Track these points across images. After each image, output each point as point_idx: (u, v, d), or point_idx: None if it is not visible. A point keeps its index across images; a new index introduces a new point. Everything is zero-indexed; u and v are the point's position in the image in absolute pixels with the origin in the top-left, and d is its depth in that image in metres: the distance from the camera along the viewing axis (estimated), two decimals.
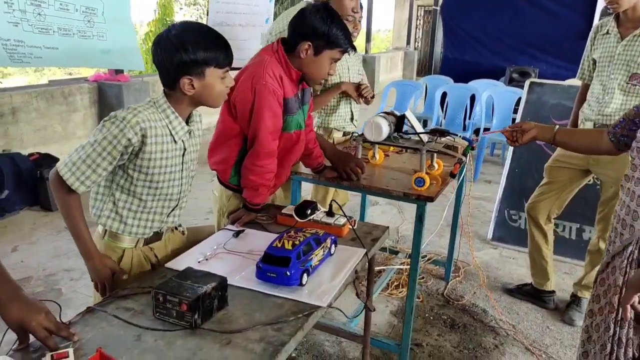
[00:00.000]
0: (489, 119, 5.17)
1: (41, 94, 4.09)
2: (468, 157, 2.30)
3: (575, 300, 2.61)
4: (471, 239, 3.38)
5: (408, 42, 13.95)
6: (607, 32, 2.30)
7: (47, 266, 2.98)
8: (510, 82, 6.03)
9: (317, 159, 2.00)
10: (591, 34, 2.43)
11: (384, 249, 3.07)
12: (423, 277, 2.95)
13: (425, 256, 3.09)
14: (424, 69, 14.08)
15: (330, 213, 1.66)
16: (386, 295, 2.75)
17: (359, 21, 2.50)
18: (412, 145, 1.96)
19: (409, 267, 2.95)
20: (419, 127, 1.99)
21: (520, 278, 2.98)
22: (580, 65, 2.51)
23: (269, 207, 1.85)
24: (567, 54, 5.82)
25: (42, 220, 3.62)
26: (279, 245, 1.32)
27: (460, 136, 2.54)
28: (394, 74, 13.20)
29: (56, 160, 4.06)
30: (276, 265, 1.26)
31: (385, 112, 2.07)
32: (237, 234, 1.59)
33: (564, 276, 3.04)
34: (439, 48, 8.10)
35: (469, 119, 5.25)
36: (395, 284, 2.85)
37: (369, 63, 10.71)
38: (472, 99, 5.18)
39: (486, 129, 5.08)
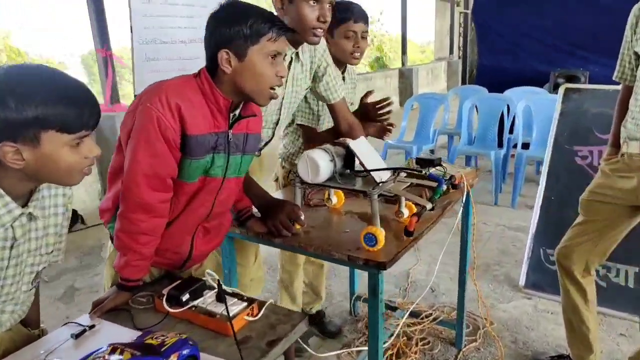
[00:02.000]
0: (528, 133, 4.43)
1: None
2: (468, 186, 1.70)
3: None
4: (479, 286, 2.71)
5: (451, 52, 13.19)
6: None
7: None
8: (556, 88, 5.23)
9: (237, 204, 1.50)
10: (631, 19, 1.78)
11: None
12: (429, 343, 2.33)
13: (431, 315, 2.45)
14: (473, 79, 13.20)
15: (220, 297, 1.15)
16: None
17: (362, 37, 1.98)
18: (361, 187, 1.40)
19: (414, 328, 2.36)
20: (372, 161, 1.42)
21: (558, 342, 2.28)
22: (619, 62, 1.86)
23: (163, 280, 1.36)
24: None
25: None
26: None
27: (458, 167, 1.96)
28: (436, 86, 12.50)
29: None
30: None
31: (334, 142, 1.53)
32: (78, 334, 1.10)
33: (620, 340, 2.30)
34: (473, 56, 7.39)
35: (509, 132, 4.52)
36: (391, 352, 2.24)
37: (406, 77, 10.14)
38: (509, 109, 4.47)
39: (525, 145, 4.36)
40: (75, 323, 1.16)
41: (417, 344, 2.29)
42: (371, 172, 1.39)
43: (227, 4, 1.23)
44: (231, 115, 1.28)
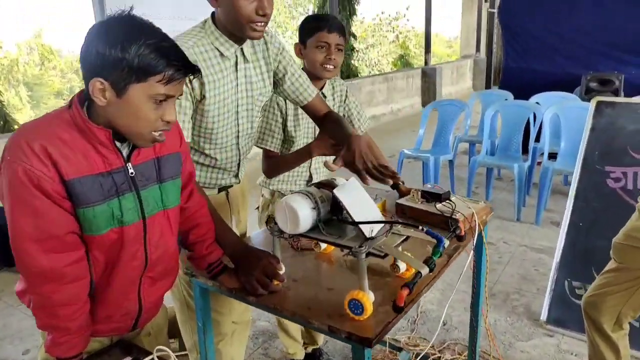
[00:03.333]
0: (556, 142, 4.12)
1: None
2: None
3: None
4: (496, 319, 2.47)
5: (478, 49, 12.74)
6: None
7: None
8: (588, 92, 4.88)
9: (207, 256, 1.31)
10: None
11: (383, 342, 2.26)
12: None
13: (440, 359, 2.22)
14: (499, 79, 12.74)
15: None
16: None
17: (337, 49, 1.79)
18: (348, 241, 1.19)
19: None
20: (363, 210, 1.21)
21: None
22: None
23: (113, 349, 1.19)
24: None
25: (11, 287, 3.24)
26: None
27: (468, 199, 1.73)
28: (461, 85, 12.11)
29: None
30: None
31: (319, 183, 1.32)
32: None
33: None
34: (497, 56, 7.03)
35: (535, 141, 4.21)
36: None
37: (429, 75, 9.81)
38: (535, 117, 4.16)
39: (552, 155, 4.05)
40: None
41: None
42: (359, 225, 1.18)
43: (119, 17, 0.98)
44: (124, 144, 1.06)
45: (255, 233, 1.70)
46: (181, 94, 1.06)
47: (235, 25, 1.33)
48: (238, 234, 1.77)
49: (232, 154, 1.55)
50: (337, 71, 1.86)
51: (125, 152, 1.07)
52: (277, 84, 1.61)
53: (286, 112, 1.85)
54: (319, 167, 2.01)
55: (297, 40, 1.88)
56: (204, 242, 1.30)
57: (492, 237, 3.47)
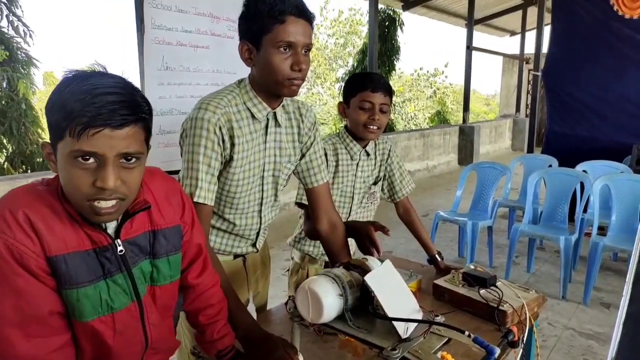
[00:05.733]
0: (605, 215, 3.84)
1: None
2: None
3: None
4: None
5: (517, 110, 12.57)
6: None
7: None
8: (639, 163, 4.60)
9: (218, 342, 1.15)
10: None
11: None
12: None
13: None
14: (541, 140, 12.45)
15: None
16: None
17: (381, 111, 1.70)
18: (379, 339, 1.01)
19: None
20: (398, 302, 1.04)
21: None
22: None
23: None
24: None
25: None
26: None
27: (516, 287, 1.53)
28: (499, 144, 11.89)
29: None
30: None
31: (348, 263, 1.17)
32: None
33: None
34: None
35: (583, 212, 3.93)
36: None
37: (467, 133, 9.67)
38: (582, 185, 3.91)
39: (601, 229, 3.76)
40: None
41: None
42: (393, 322, 1.01)
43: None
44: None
45: (276, 307, 1.54)
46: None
47: (271, 82, 1.25)
48: (256, 306, 1.62)
49: (252, 221, 1.43)
50: (380, 132, 1.76)
51: (112, 227, 0.94)
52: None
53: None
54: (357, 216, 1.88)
55: (334, 91, 1.80)
56: (215, 325, 1.14)
57: (537, 318, 3.17)
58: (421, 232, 1.96)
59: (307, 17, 1.23)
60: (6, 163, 6.04)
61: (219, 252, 1.43)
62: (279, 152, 1.40)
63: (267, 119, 1.35)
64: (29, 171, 6.31)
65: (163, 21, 2.34)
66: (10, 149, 6.10)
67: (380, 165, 1.93)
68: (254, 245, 1.49)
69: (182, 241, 1.06)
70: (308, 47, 1.24)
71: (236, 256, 1.48)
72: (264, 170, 1.38)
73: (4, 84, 5.96)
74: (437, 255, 1.85)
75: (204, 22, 2.58)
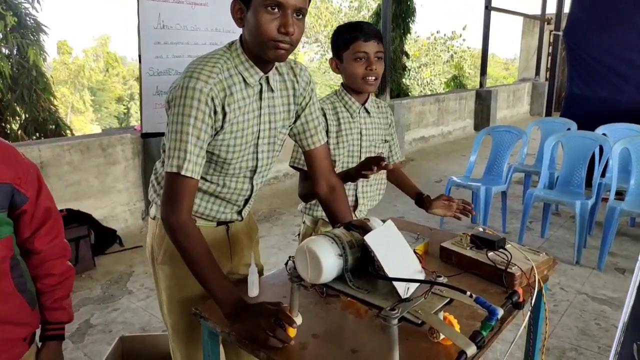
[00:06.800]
0: (624, 179, 3.74)
1: (75, 147, 3.82)
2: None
3: None
4: None
5: (537, 73, 12.19)
6: None
7: None
8: None
9: (48, 313, 1.25)
10: None
11: None
12: None
13: None
14: (560, 104, 12.12)
15: None
16: None
17: (376, 58, 1.62)
18: (379, 299, 0.99)
19: None
20: (398, 262, 1.01)
21: None
22: None
23: None
24: None
25: None
26: None
27: (526, 249, 1.48)
28: (517, 109, 11.62)
29: (87, 216, 3.74)
30: None
31: (349, 224, 1.13)
32: None
33: None
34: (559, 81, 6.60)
35: (601, 176, 3.82)
36: None
37: (484, 98, 9.46)
38: (602, 149, 3.78)
39: (619, 193, 3.66)
40: None
41: None
42: (394, 282, 0.97)
43: None
44: None
45: (278, 270, 1.51)
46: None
47: (257, 44, 1.17)
48: (241, 274, 1.53)
49: (242, 186, 1.37)
50: (378, 82, 1.69)
51: None
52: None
53: (327, 129, 1.69)
54: (367, 190, 1.83)
55: None
56: (51, 294, 1.21)
57: (547, 281, 3.14)
58: (405, 178, 1.95)
59: None
60: (19, 130, 6.10)
61: (202, 217, 1.37)
62: (273, 118, 1.33)
63: (260, 84, 1.27)
64: (42, 138, 6.37)
65: None
66: (23, 117, 6.15)
67: (384, 129, 1.86)
68: (239, 213, 1.43)
69: (14, 202, 1.09)
70: (301, 12, 1.16)
71: (219, 223, 1.42)
72: (258, 138, 1.31)
73: (14, 51, 5.95)
74: (422, 194, 1.85)
75: None
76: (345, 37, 1.62)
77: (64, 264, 1.24)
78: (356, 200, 1.80)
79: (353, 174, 1.58)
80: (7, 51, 5.87)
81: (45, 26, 6.30)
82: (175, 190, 1.17)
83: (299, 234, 1.93)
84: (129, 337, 2.06)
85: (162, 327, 2.51)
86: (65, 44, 25.97)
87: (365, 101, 1.76)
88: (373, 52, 1.61)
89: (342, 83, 1.76)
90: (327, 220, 1.77)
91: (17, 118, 6.27)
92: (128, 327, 2.65)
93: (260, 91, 1.28)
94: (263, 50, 1.17)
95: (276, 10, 1.13)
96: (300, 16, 1.17)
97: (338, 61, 1.68)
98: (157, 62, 2.24)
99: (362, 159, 1.78)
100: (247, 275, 1.34)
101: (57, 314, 1.23)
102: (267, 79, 1.28)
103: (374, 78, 1.64)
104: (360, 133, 1.76)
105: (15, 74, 6.01)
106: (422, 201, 1.84)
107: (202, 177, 1.31)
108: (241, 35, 1.25)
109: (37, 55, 5.91)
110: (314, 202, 1.79)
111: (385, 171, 1.89)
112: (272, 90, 1.31)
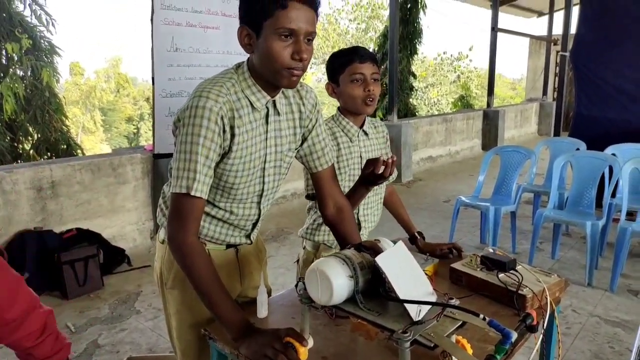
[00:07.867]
0: (635, 199, 3.70)
1: (85, 167, 3.86)
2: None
3: None
4: None
5: (545, 93, 12.21)
6: None
7: None
8: None
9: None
10: None
11: None
12: None
13: None
14: (569, 124, 12.10)
15: None
16: None
17: (372, 79, 1.65)
18: (390, 322, 0.98)
19: None
20: (409, 284, 1.00)
21: None
22: None
23: None
24: None
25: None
26: None
27: (535, 270, 1.47)
28: (525, 129, 11.62)
29: (96, 235, 3.76)
30: None
31: (360, 245, 1.13)
32: None
33: None
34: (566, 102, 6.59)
35: (611, 196, 3.78)
36: None
37: (491, 118, 9.47)
38: (611, 169, 3.76)
39: (630, 214, 3.63)
40: None
41: None
42: (405, 304, 0.97)
43: None
44: None
45: (287, 291, 1.51)
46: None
47: (270, 72, 1.18)
48: (250, 297, 1.51)
49: (250, 212, 1.37)
50: (375, 104, 1.70)
51: None
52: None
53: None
54: (368, 213, 1.83)
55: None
56: (43, 345, 1.35)
57: (559, 303, 3.09)
58: (401, 211, 1.97)
59: (312, 3, 1.16)
60: (32, 150, 6.20)
61: (211, 241, 1.37)
62: (280, 142, 1.33)
63: (267, 108, 1.28)
64: (54, 157, 6.46)
65: (172, 1, 2.32)
66: (36, 137, 6.25)
67: (383, 148, 1.86)
68: (248, 236, 1.43)
69: None
70: (311, 36, 1.17)
71: (229, 246, 1.42)
72: (265, 162, 1.31)
73: (29, 73, 6.08)
74: (416, 234, 1.87)
75: (215, 1, 2.54)
76: (342, 60, 1.64)
77: (37, 316, 1.37)
78: (359, 223, 1.80)
79: (365, 179, 1.56)
80: (21, 73, 6.02)
81: (59, 48, 6.46)
82: (183, 211, 1.16)
83: (297, 260, 1.90)
84: (136, 358, 2.05)
85: (169, 348, 2.50)
86: (77, 65, 26.46)
87: (363, 123, 1.77)
88: (369, 74, 1.63)
89: (338, 107, 1.76)
90: (328, 245, 1.77)
91: (29, 138, 6.38)
92: (136, 348, 2.64)
93: (267, 115, 1.28)
94: (276, 77, 1.18)
95: (289, 37, 1.14)
96: (310, 40, 1.19)
97: (334, 85, 1.69)
98: (170, 84, 2.28)
99: None
100: (256, 297, 1.34)
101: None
102: (274, 102, 1.28)
103: (372, 99, 1.65)
104: (360, 156, 1.76)
105: (28, 95, 6.13)
106: (416, 243, 1.87)
107: (210, 202, 1.31)
108: (248, 59, 1.26)
109: (50, 77, 6.03)
110: (314, 226, 1.78)
111: (382, 194, 1.89)
112: (279, 114, 1.31)
